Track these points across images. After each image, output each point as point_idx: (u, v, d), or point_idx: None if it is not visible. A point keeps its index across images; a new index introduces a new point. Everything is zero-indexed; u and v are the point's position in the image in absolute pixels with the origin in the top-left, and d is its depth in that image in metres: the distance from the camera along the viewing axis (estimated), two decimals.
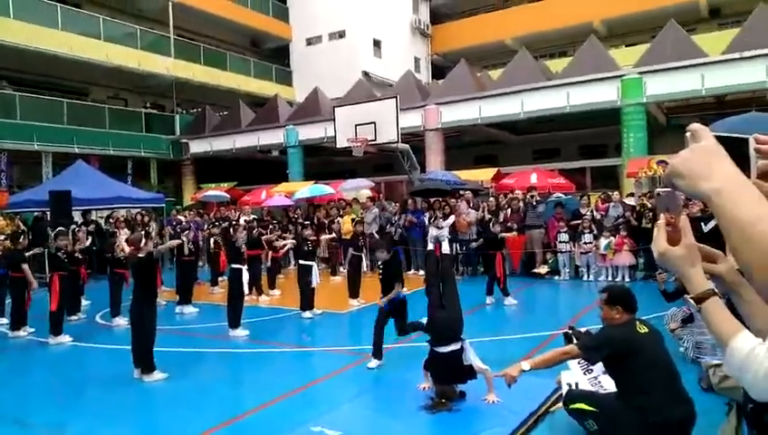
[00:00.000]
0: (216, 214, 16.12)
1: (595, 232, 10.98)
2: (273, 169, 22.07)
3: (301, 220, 13.85)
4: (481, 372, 4.43)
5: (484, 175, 16.07)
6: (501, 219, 11.13)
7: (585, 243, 10.94)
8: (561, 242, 11.26)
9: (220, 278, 11.22)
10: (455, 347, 4.47)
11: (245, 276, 7.77)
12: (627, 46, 25.03)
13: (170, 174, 23.99)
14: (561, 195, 13.22)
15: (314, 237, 9.66)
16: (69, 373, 6.37)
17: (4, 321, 8.41)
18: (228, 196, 19.18)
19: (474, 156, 21.04)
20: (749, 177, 0.87)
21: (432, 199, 13.37)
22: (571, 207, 12.00)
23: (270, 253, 11.18)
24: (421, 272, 12.60)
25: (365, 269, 11.35)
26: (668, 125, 18.34)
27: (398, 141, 14.25)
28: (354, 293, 9.64)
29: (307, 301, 8.67)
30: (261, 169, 23.11)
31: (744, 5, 21.11)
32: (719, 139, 0.85)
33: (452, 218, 12.20)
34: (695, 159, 0.82)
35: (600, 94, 15.11)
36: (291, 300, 9.46)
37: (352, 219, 13.15)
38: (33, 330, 8.05)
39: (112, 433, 4.58)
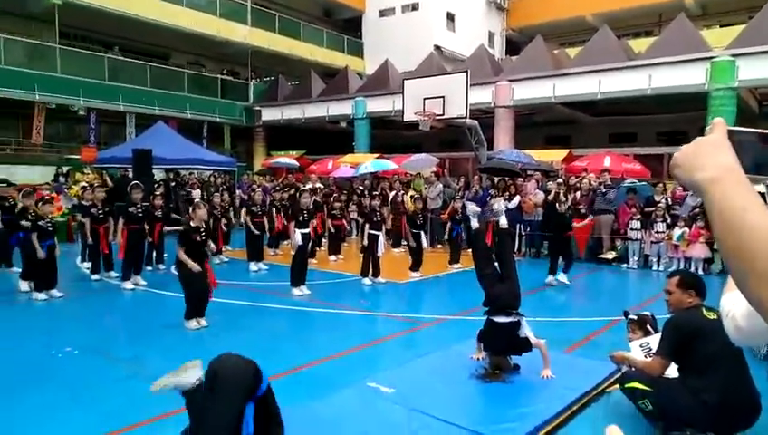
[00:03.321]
0: (285, 180, 16.62)
1: (669, 221, 10.50)
2: (340, 139, 22.39)
3: (366, 192, 14.04)
4: (537, 346, 4.42)
5: (554, 156, 15.63)
6: (569, 202, 10.83)
7: (657, 232, 10.49)
8: (631, 229, 10.84)
9: (285, 242, 11.62)
10: (512, 319, 4.47)
11: (298, 238, 8.02)
12: (721, 27, 23.28)
13: (242, 140, 24.85)
14: (635, 181, 12.68)
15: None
16: (144, 316, 6.90)
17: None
18: (297, 163, 19.69)
19: (545, 136, 20.46)
20: None
21: (496, 179, 13.16)
22: (644, 193, 11.50)
23: (330, 220, 11.49)
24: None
25: (425, 245, 11.39)
26: (761, 113, 17.05)
27: (466, 117, 14.05)
28: (415, 266, 9.76)
29: (368, 268, 8.89)
30: (329, 139, 23.49)
31: None
32: (749, 134, 0.86)
33: (517, 199, 12.05)
34: (695, 152, 0.85)
35: (686, 77, 14.24)
36: (352, 266, 9.72)
37: (411, 196, 13.18)
38: (116, 275, 8.79)
39: None
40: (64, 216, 12.43)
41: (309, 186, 14.09)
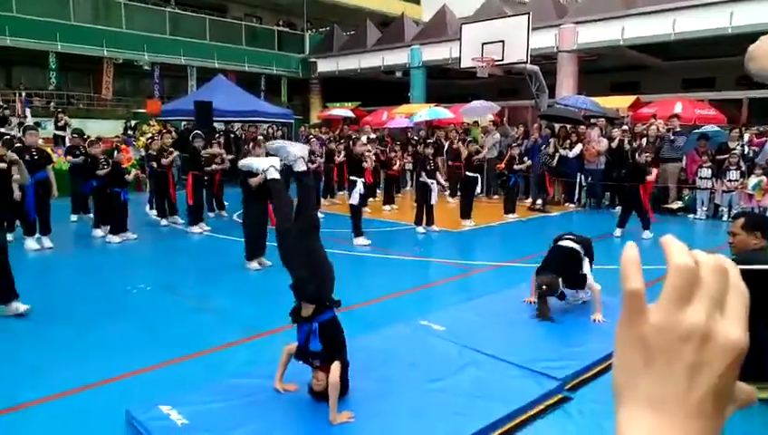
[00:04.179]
0: (341, 132, 16.70)
1: (743, 169, 9.86)
2: (395, 90, 22.12)
3: (420, 141, 13.91)
4: (591, 287, 4.38)
5: (620, 102, 14.83)
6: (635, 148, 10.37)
7: (730, 180, 9.88)
8: (701, 178, 10.26)
9: (341, 193, 11.78)
10: (575, 246, 4.51)
11: (360, 188, 8.10)
12: None
13: (299, 92, 25.02)
14: (713, 126, 11.86)
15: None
16: (209, 257, 7.28)
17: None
18: (353, 114, 19.68)
19: (611, 82, 19.38)
20: None
21: (557, 126, 12.69)
22: (717, 140, 10.80)
23: (385, 171, 11.52)
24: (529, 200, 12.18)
25: (479, 192, 11.25)
26: None
27: (526, 62, 13.52)
28: (466, 214, 9.69)
29: (422, 217, 8.91)
30: (384, 90, 23.26)
31: None
32: None
33: (579, 147, 11.62)
34: None
35: None
36: (406, 216, 9.78)
37: (465, 140, 12.95)
38: (181, 220, 9.29)
39: (245, 307, 5.22)
40: (133, 166, 13.05)
41: (363, 138, 14.12)
